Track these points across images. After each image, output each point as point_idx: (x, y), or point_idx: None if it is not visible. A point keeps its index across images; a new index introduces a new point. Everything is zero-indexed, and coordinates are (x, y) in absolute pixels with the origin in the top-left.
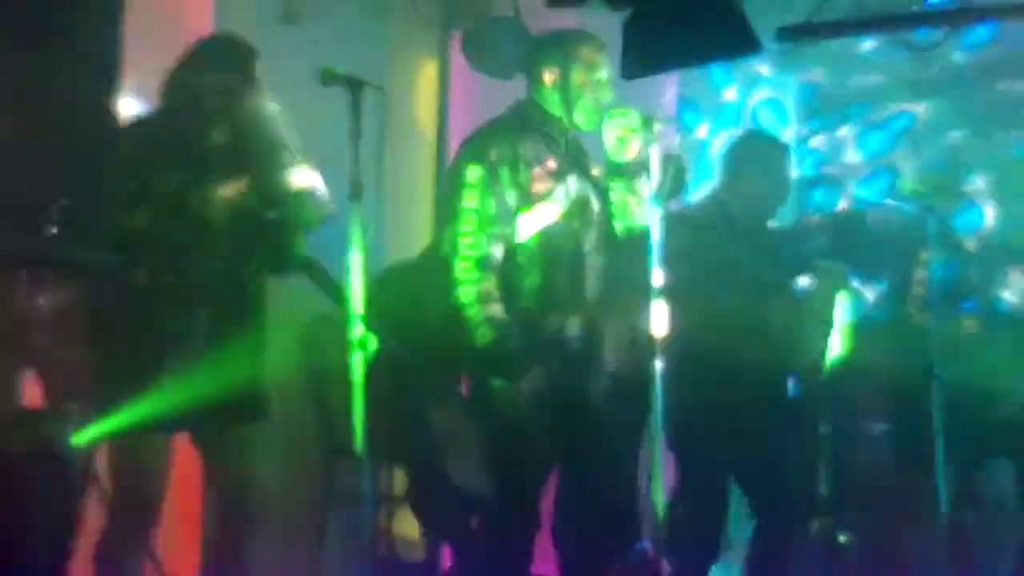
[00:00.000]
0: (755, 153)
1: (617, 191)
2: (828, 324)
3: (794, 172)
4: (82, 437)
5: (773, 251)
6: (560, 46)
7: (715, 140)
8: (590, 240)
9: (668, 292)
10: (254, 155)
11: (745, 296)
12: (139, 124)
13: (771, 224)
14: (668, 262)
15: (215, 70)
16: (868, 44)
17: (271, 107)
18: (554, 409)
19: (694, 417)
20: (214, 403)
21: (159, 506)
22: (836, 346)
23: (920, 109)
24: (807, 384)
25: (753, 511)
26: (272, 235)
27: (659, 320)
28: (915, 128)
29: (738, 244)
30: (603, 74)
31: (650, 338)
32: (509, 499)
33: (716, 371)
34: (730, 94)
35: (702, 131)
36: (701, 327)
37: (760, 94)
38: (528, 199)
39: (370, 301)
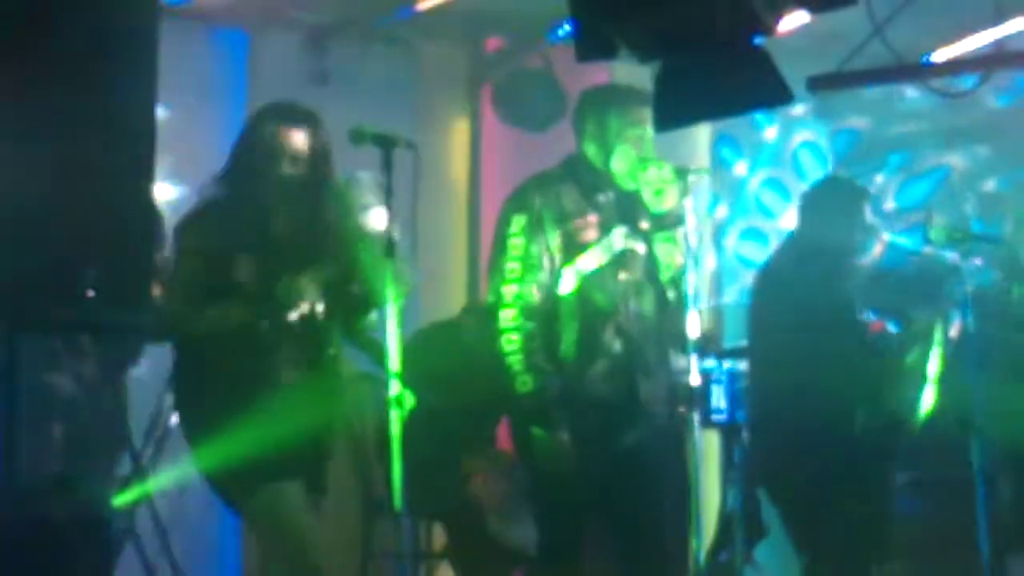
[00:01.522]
0: (832, 198)
1: (660, 242)
2: (921, 376)
3: (871, 217)
4: (122, 499)
5: (848, 296)
6: (601, 100)
7: (752, 178)
8: (634, 291)
9: (756, 341)
10: (335, 238)
11: (818, 338)
12: (213, 210)
13: (848, 268)
14: (755, 311)
15: (289, 155)
16: (909, 91)
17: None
18: (595, 459)
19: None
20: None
21: None
22: (928, 398)
23: (955, 159)
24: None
25: (801, 554)
26: (352, 310)
27: (694, 370)
28: (951, 177)
29: (812, 288)
30: (643, 129)
31: (688, 388)
32: (550, 550)
33: (803, 417)
34: (770, 133)
35: (740, 168)
36: (787, 381)
37: (800, 136)
38: (572, 250)
39: (407, 358)
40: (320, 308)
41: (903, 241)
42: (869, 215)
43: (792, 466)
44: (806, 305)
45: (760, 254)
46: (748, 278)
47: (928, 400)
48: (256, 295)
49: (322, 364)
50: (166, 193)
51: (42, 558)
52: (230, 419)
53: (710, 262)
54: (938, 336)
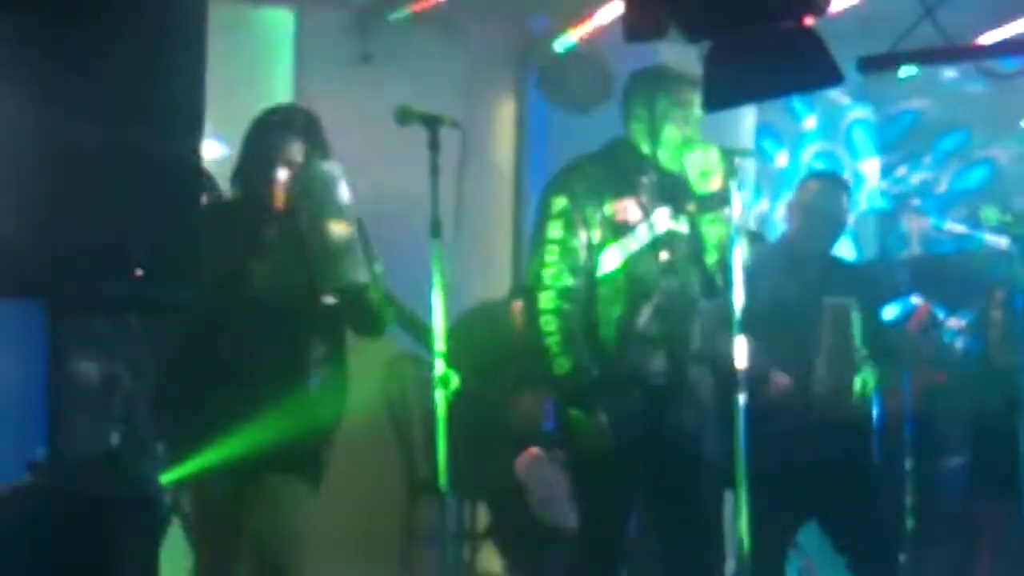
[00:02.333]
0: (810, 191)
1: (707, 224)
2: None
3: (847, 208)
4: (169, 477)
5: (841, 283)
6: (649, 82)
7: (803, 152)
8: (676, 272)
9: (745, 327)
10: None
11: (806, 328)
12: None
13: (828, 258)
14: (748, 297)
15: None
16: (951, 73)
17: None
18: (635, 441)
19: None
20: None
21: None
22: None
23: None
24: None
25: (840, 551)
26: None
27: (741, 353)
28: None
29: (796, 277)
30: (690, 110)
31: (733, 371)
32: (591, 532)
33: (786, 407)
34: (809, 123)
35: (782, 159)
36: (770, 361)
37: (853, 115)
38: (612, 232)
39: (452, 338)
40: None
41: (954, 227)
42: (845, 206)
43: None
44: (778, 289)
45: None
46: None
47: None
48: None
49: (310, 353)
50: (211, 151)
51: (88, 534)
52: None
53: (762, 205)
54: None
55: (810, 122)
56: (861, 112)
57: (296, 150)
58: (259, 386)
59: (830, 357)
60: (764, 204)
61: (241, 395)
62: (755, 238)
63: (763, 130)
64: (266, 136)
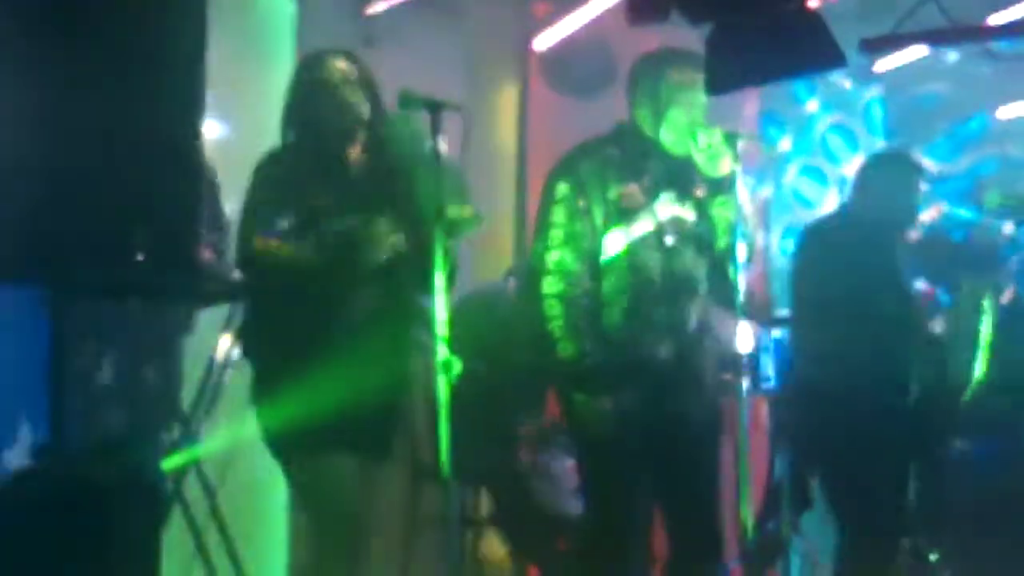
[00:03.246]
0: (887, 173)
1: (716, 208)
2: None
3: (921, 191)
4: (171, 463)
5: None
6: (654, 66)
7: (820, 122)
8: (681, 257)
9: (801, 304)
10: (404, 175)
11: (865, 306)
12: (284, 150)
13: (898, 242)
14: (801, 274)
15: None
16: (953, 56)
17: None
18: (640, 427)
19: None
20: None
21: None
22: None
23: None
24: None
25: (841, 525)
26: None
27: (745, 338)
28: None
29: (869, 254)
30: (696, 94)
31: (738, 356)
32: (595, 517)
33: (846, 384)
34: (812, 107)
35: (785, 144)
36: (831, 351)
37: (870, 93)
38: (617, 216)
39: (454, 323)
40: (401, 252)
41: (956, 210)
42: (922, 190)
43: (832, 434)
44: (855, 272)
45: (816, 194)
46: (800, 215)
47: (978, 369)
48: (334, 235)
49: (401, 315)
50: (212, 131)
51: (90, 520)
52: (300, 371)
53: (765, 192)
54: (988, 304)
55: (812, 105)
56: (877, 91)
57: (355, 72)
58: (357, 339)
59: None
60: (785, 144)
61: (344, 352)
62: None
63: (765, 117)
64: (316, 63)
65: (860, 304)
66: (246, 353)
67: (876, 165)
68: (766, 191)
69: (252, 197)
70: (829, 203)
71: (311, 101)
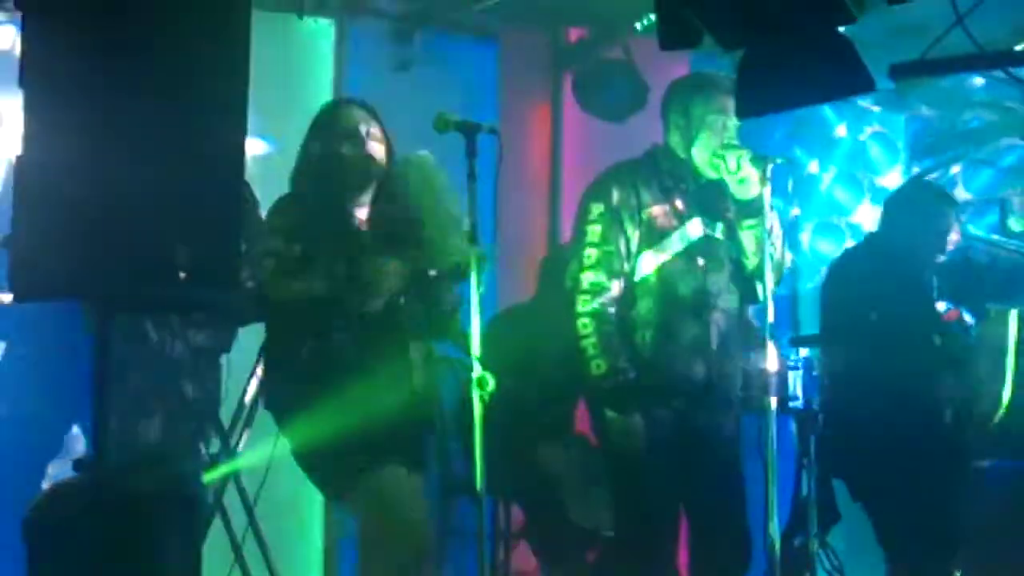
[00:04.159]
0: (918, 203)
1: (745, 230)
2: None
3: (954, 223)
4: (212, 475)
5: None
6: (686, 90)
7: (825, 175)
8: (712, 278)
9: (831, 330)
10: (411, 221)
11: (897, 331)
12: (297, 196)
13: (928, 269)
14: (832, 302)
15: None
16: (979, 81)
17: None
18: (670, 444)
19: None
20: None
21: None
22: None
23: None
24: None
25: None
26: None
27: (771, 358)
28: None
29: (899, 281)
30: (727, 117)
31: (765, 375)
32: (626, 531)
33: (885, 408)
34: (840, 130)
35: (813, 167)
36: (867, 362)
37: (871, 129)
38: (649, 237)
39: (486, 341)
40: (403, 294)
41: (980, 233)
42: (951, 220)
43: (867, 456)
44: (885, 298)
45: (835, 249)
46: (832, 218)
47: (1007, 392)
48: (340, 276)
49: (405, 352)
50: (255, 148)
51: (130, 532)
52: (315, 403)
53: (787, 258)
54: (1015, 326)
55: (840, 130)
56: (878, 127)
57: (366, 120)
58: (369, 381)
59: (990, 365)
60: (795, 210)
61: (351, 392)
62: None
63: (793, 138)
64: (330, 112)
65: (892, 331)
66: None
67: (904, 196)
68: (795, 210)
69: (266, 243)
70: (863, 212)
71: (324, 154)
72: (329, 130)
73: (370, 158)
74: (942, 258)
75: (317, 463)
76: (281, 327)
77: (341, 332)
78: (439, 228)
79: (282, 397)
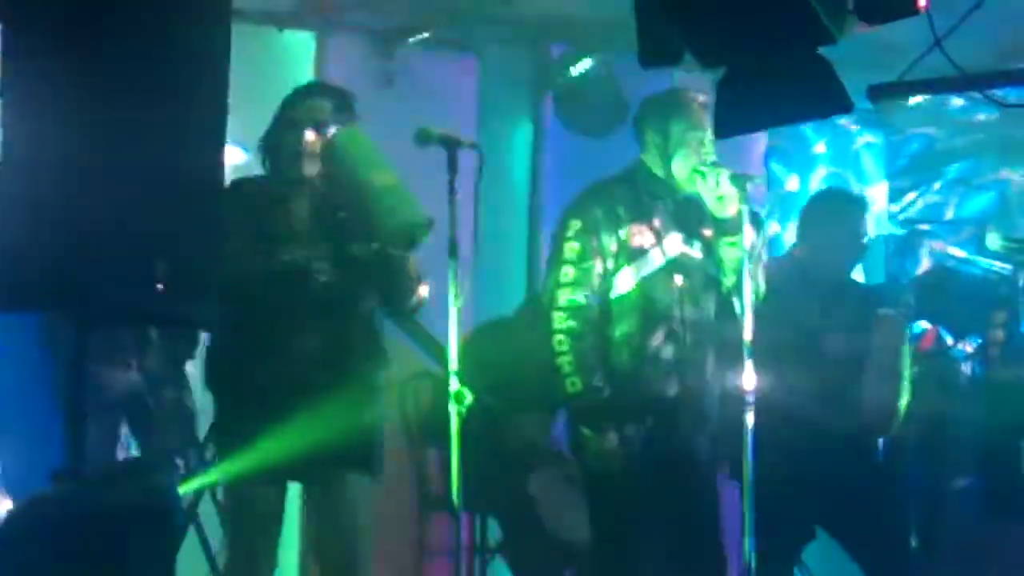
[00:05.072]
0: (829, 209)
1: (724, 248)
2: (897, 375)
3: (869, 228)
4: (187, 487)
5: (855, 305)
6: (661, 108)
7: (805, 192)
8: (689, 296)
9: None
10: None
11: (819, 350)
12: (246, 182)
13: (846, 279)
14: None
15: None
16: (957, 102)
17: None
18: (646, 462)
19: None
20: (330, 452)
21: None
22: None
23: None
24: (887, 439)
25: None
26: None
27: (750, 376)
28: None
29: (812, 299)
30: (703, 134)
31: (742, 393)
32: (602, 547)
33: (794, 428)
34: (820, 148)
35: (792, 184)
36: (778, 383)
37: (863, 140)
38: (627, 255)
39: (465, 356)
40: (322, 267)
41: (959, 252)
42: (864, 225)
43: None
44: (802, 316)
45: None
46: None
47: (903, 402)
48: (247, 233)
49: (349, 336)
50: (234, 157)
51: (105, 545)
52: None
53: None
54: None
55: (820, 147)
56: (870, 137)
57: (326, 112)
58: (307, 371)
59: (879, 373)
60: (774, 227)
61: (289, 381)
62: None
63: (773, 154)
64: (294, 101)
65: (806, 346)
66: (207, 383)
67: (816, 205)
68: (774, 226)
69: None
70: None
71: (274, 134)
72: (282, 114)
73: (309, 142)
74: (855, 265)
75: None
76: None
77: (288, 313)
78: (383, 195)
79: (221, 376)
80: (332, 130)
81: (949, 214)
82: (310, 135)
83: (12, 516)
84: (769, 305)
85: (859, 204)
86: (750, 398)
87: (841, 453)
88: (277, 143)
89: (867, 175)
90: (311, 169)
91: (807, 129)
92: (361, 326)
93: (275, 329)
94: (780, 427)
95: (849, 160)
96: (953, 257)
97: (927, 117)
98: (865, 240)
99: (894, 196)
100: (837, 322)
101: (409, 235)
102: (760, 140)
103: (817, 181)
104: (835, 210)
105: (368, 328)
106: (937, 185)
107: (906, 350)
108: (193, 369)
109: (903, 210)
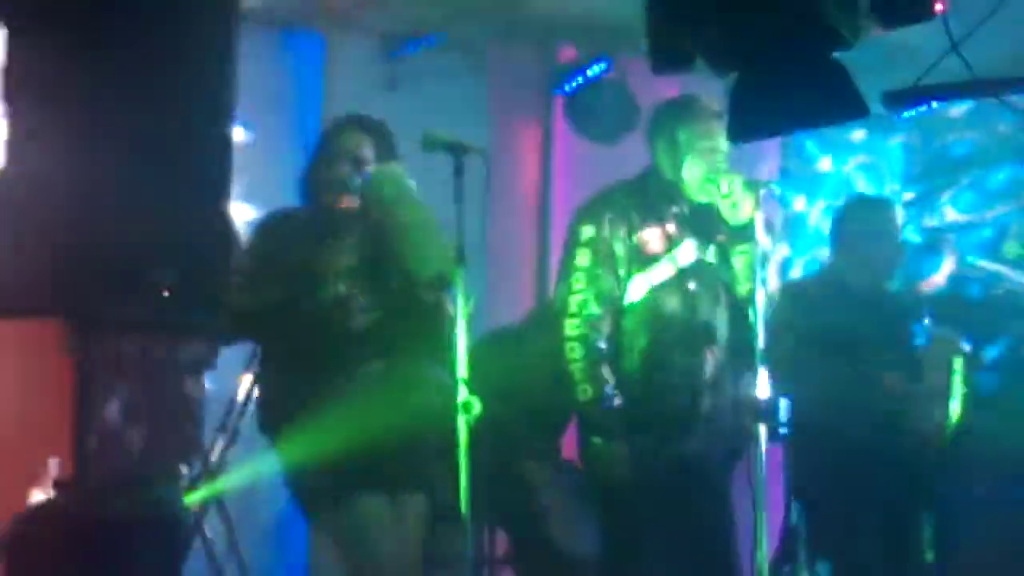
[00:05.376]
0: (862, 217)
1: (737, 255)
2: (945, 392)
3: (901, 233)
4: (192, 498)
5: (889, 317)
6: (673, 114)
7: (811, 211)
8: (702, 303)
9: (777, 361)
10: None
11: (863, 363)
12: (283, 213)
13: (887, 288)
14: (777, 332)
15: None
16: (964, 107)
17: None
18: (657, 471)
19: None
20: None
21: None
22: (954, 414)
23: None
24: (926, 452)
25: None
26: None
27: (763, 385)
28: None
29: (855, 311)
30: (715, 141)
31: (754, 402)
32: (611, 558)
33: (836, 440)
34: (825, 164)
35: (799, 204)
36: (819, 397)
37: (855, 160)
38: (639, 261)
39: (474, 364)
40: (365, 303)
41: (980, 264)
42: (899, 231)
43: (821, 482)
44: (841, 328)
45: None
46: (820, 253)
47: (954, 415)
48: (293, 277)
49: (396, 369)
50: (244, 214)
51: (111, 557)
52: (309, 419)
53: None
54: (956, 349)
55: (824, 163)
56: (863, 158)
57: (364, 147)
58: (364, 394)
59: (931, 393)
60: (783, 249)
61: (346, 406)
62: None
63: (781, 175)
64: (333, 135)
65: (848, 357)
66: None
67: (848, 214)
68: (783, 248)
69: (250, 254)
70: None
71: (314, 168)
72: (323, 148)
73: (352, 178)
74: (893, 273)
75: (302, 484)
76: (272, 345)
77: (335, 349)
78: (416, 238)
79: (275, 415)
80: (370, 166)
81: (968, 220)
82: (348, 169)
83: (16, 525)
84: (809, 321)
85: (891, 207)
86: (762, 406)
87: (892, 471)
88: (315, 177)
89: (896, 176)
90: (350, 203)
91: (810, 146)
92: (408, 359)
93: (327, 367)
94: (831, 446)
95: (842, 186)
96: (972, 264)
97: (943, 123)
98: (901, 243)
99: (914, 201)
100: (880, 333)
101: (441, 280)
102: (772, 157)
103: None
104: (868, 217)
105: (415, 359)
106: (947, 194)
107: (959, 371)
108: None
109: (921, 215)
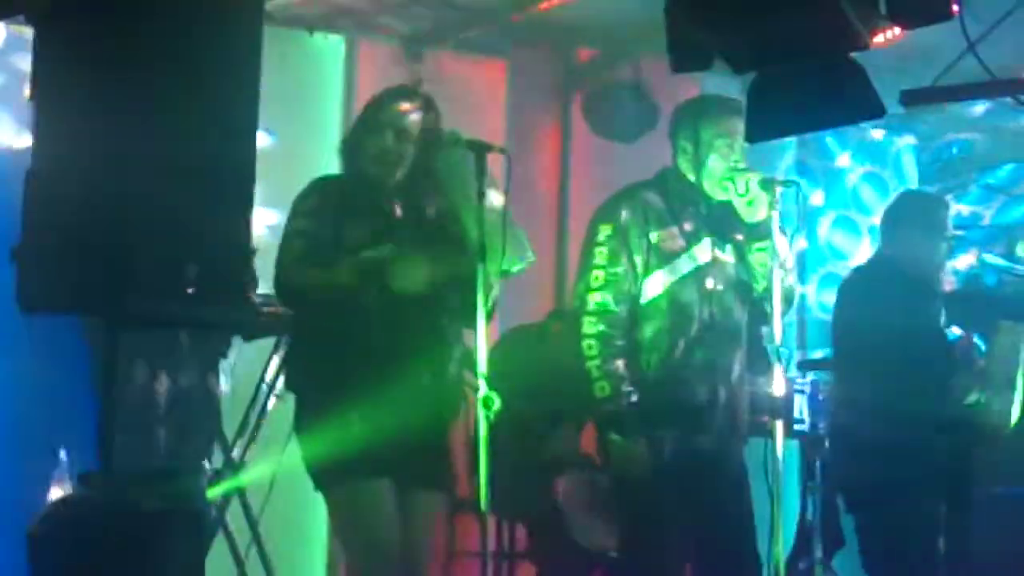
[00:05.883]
0: (919, 208)
1: (754, 253)
2: (1013, 386)
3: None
4: (216, 491)
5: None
6: (693, 113)
7: (851, 174)
8: (720, 301)
9: (841, 354)
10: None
11: (938, 364)
12: (330, 180)
13: (938, 276)
14: (840, 326)
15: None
16: (982, 106)
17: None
18: (675, 468)
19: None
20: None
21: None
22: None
23: None
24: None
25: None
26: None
27: (779, 382)
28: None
29: (918, 298)
30: (735, 140)
31: (773, 398)
32: (629, 552)
33: (907, 427)
34: (843, 160)
35: (816, 199)
36: (893, 384)
37: (861, 170)
38: (658, 260)
39: (493, 360)
40: (433, 292)
41: (994, 259)
42: (950, 225)
43: (874, 477)
44: (892, 320)
45: (851, 245)
46: (833, 267)
47: (1016, 413)
48: (368, 261)
49: (437, 353)
50: (266, 218)
51: (134, 549)
52: (342, 400)
53: (800, 244)
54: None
55: (843, 160)
56: (910, 139)
57: (409, 117)
58: (404, 370)
59: (994, 382)
60: (817, 198)
61: (386, 379)
62: None
63: (799, 169)
64: (379, 104)
65: (898, 351)
66: (289, 384)
67: (900, 206)
68: (801, 242)
69: (294, 225)
70: (862, 254)
71: (362, 139)
72: (369, 116)
73: (403, 147)
74: (947, 273)
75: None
76: (312, 323)
77: (373, 318)
78: (480, 231)
79: (307, 381)
80: (414, 135)
81: (985, 221)
82: (391, 139)
83: (43, 519)
84: (872, 307)
85: (944, 203)
86: (779, 403)
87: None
88: (357, 145)
89: (868, 207)
90: (390, 172)
91: (830, 142)
92: (447, 329)
93: (368, 328)
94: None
95: (888, 162)
96: (988, 264)
97: (962, 122)
98: (952, 237)
99: None
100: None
101: (508, 272)
102: (788, 155)
103: (852, 182)
104: (924, 209)
105: (453, 331)
106: (972, 191)
107: (1022, 360)
108: (226, 366)
109: None
